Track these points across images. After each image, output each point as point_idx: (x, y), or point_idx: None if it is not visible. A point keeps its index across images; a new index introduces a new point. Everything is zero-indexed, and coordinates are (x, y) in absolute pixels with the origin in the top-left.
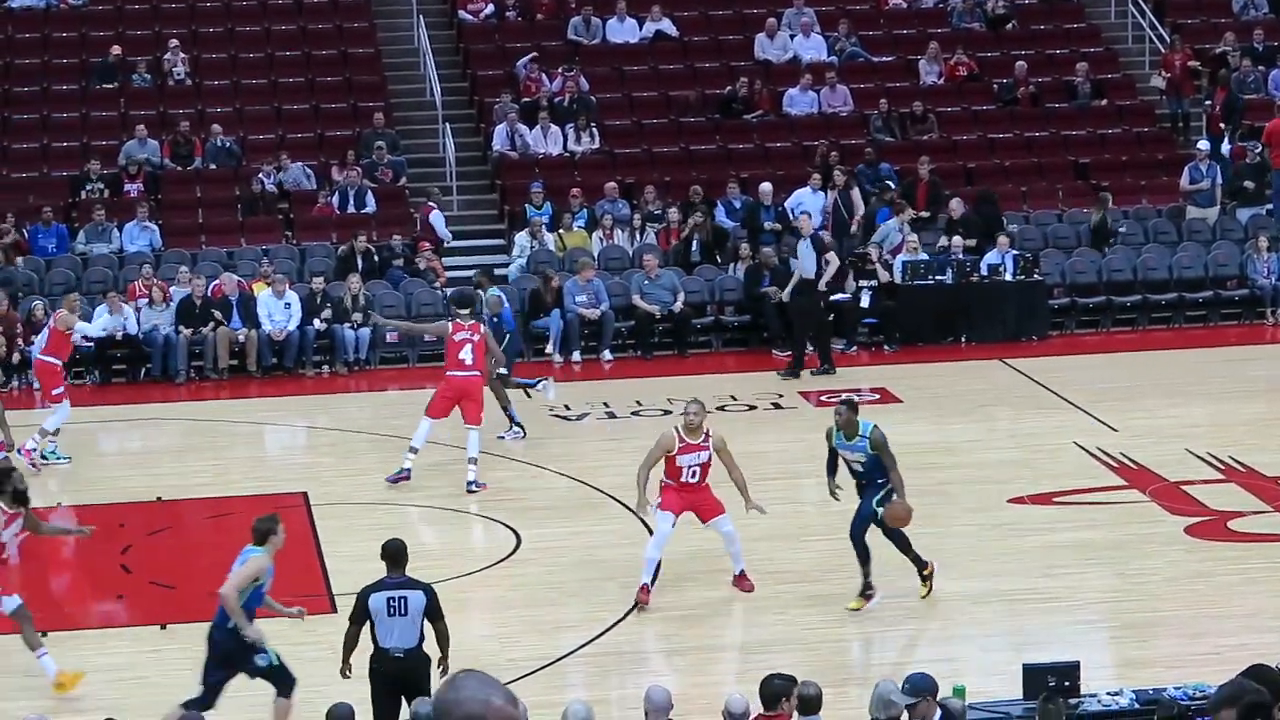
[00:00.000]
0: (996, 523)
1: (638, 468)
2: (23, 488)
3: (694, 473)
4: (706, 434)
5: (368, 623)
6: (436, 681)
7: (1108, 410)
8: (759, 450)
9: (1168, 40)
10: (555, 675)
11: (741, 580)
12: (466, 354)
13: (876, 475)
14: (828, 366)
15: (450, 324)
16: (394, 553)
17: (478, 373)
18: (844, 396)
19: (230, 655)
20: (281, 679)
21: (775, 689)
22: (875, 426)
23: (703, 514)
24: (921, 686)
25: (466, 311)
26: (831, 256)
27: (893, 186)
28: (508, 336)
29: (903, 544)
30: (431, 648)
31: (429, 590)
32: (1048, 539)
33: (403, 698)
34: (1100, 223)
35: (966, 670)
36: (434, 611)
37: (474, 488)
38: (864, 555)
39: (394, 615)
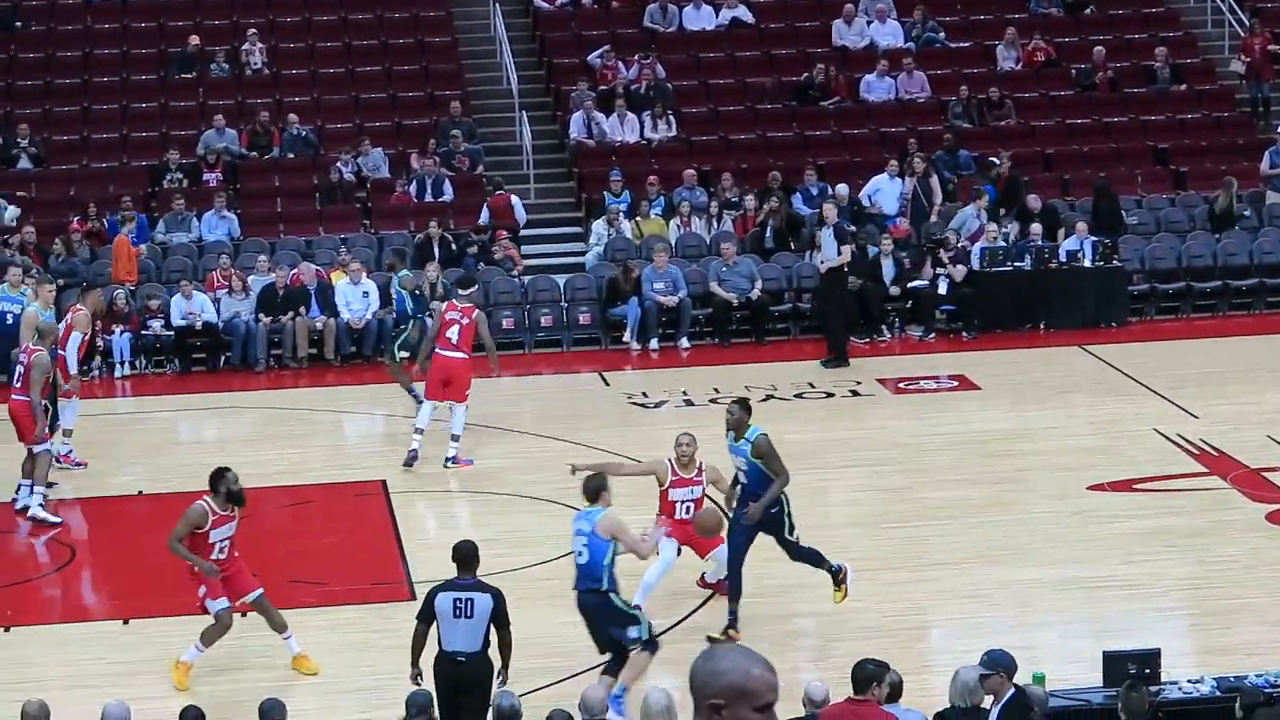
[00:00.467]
0: (1076, 510)
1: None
2: (237, 489)
3: (688, 508)
4: (700, 468)
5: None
6: (497, 689)
7: (1188, 397)
8: (836, 438)
9: (1247, 24)
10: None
11: (715, 585)
12: (453, 334)
13: (759, 487)
14: (839, 356)
15: (445, 304)
16: (465, 555)
17: (462, 354)
18: (737, 396)
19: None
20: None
21: (867, 673)
22: (763, 433)
23: (701, 548)
24: (1000, 661)
25: (466, 293)
26: (845, 250)
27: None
28: (411, 322)
29: (809, 557)
30: (494, 653)
31: (497, 594)
32: (1128, 526)
33: (460, 698)
34: (1226, 208)
35: (1046, 657)
36: (500, 617)
37: (451, 464)
38: (736, 591)
39: (459, 617)
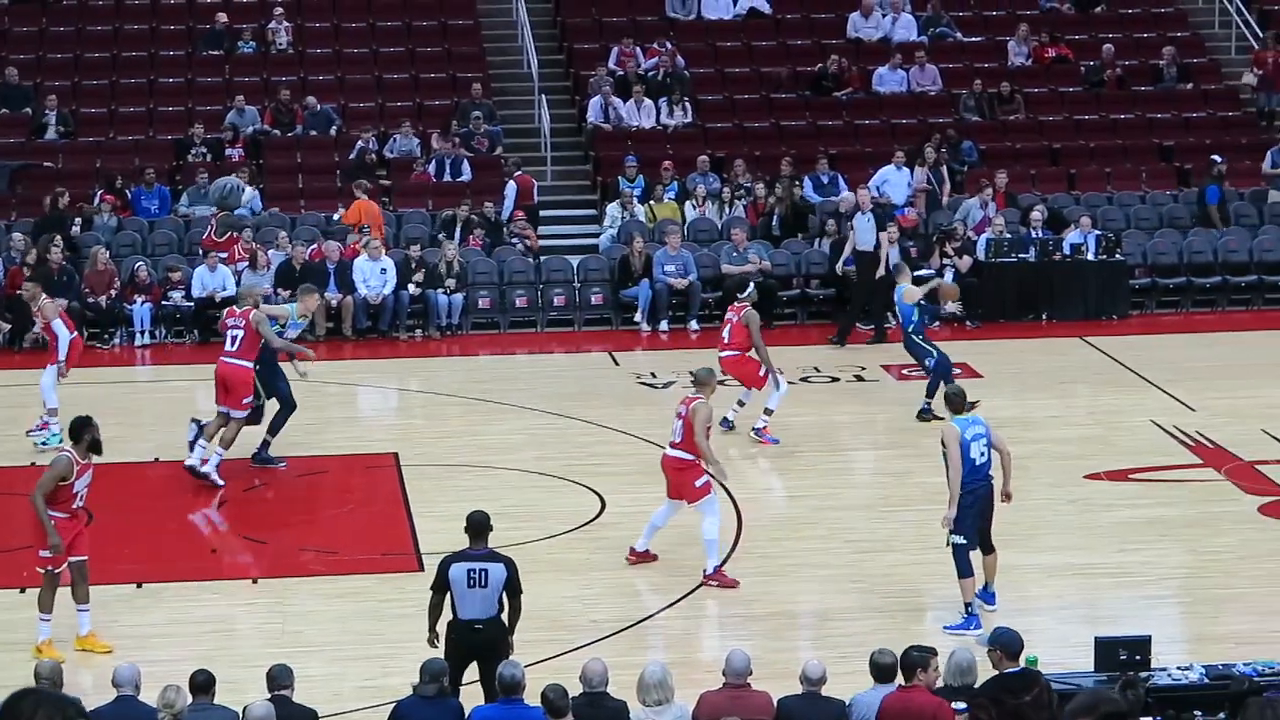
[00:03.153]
0: (1073, 498)
1: (699, 441)
2: (99, 438)
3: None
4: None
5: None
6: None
7: (1186, 389)
8: (842, 422)
9: (1261, 36)
10: (636, 637)
11: (641, 556)
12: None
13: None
14: (880, 335)
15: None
16: (478, 525)
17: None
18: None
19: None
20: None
21: (913, 660)
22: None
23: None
24: (999, 639)
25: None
26: (883, 237)
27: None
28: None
29: None
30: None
31: (510, 563)
32: (1123, 515)
33: (477, 664)
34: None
35: (1040, 641)
36: (513, 585)
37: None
38: None
39: (474, 587)
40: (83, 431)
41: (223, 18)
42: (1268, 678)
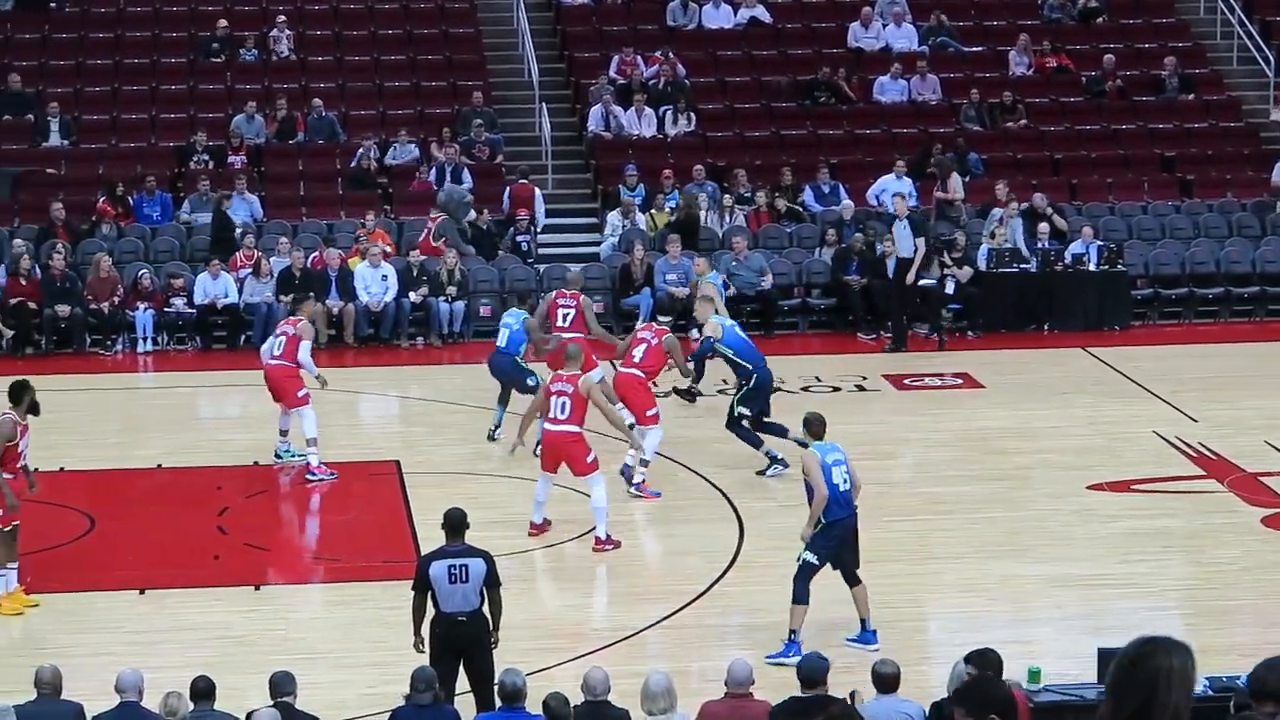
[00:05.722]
0: (1075, 508)
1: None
2: (38, 400)
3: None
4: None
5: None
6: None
7: (1188, 400)
8: (844, 432)
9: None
10: (636, 646)
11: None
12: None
13: None
14: (898, 342)
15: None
16: (455, 522)
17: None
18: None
19: None
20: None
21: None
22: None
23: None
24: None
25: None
26: (920, 243)
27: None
28: None
29: None
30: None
31: (488, 557)
32: (1125, 525)
33: (462, 660)
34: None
35: (1043, 652)
36: (493, 578)
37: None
38: None
39: (455, 583)
40: (22, 394)
41: (224, 24)
42: None
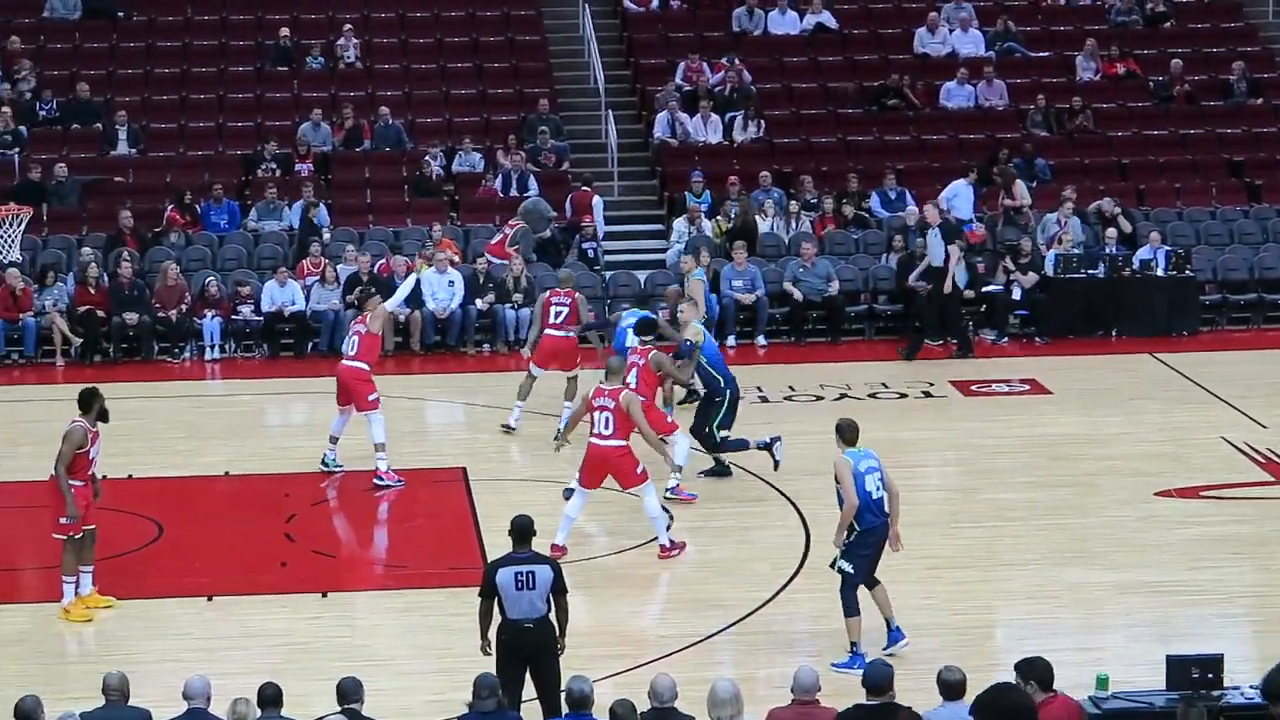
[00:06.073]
0: (1143, 515)
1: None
2: (107, 407)
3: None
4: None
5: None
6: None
7: (1257, 406)
8: (909, 438)
9: None
10: (704, 653)
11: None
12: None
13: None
14: (964, 347)
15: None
16: (521, 529)
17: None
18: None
19: None
20: None
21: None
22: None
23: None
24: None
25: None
26: (953, 249)
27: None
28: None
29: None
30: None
31: (555, 566)
32: (1194, 532)
33: (529, 666)
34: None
35: (1110, 659)
36: (559, 586)
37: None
38: None
39: (522, 590)
40: (91, 401)
41: (286, 33)
42: None
